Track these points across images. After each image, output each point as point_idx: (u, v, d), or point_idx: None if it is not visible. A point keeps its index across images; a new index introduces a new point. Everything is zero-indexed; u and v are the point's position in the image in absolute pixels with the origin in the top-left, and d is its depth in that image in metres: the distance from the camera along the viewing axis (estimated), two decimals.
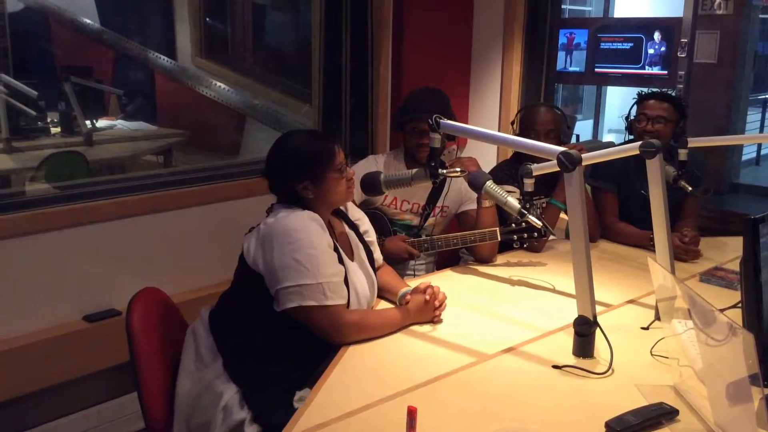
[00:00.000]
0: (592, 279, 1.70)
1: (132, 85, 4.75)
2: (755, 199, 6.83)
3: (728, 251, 2.70)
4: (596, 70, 4.81)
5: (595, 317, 1.69)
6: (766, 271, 1.53)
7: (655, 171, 1.87)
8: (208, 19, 5.16)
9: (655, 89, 2.89)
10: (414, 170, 2.00)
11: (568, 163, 1.63)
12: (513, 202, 2.08)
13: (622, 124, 2.89)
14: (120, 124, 4.44)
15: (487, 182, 2.13)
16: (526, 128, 2.69)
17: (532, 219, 2.08)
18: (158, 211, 2.77)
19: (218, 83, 4.93)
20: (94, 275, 2.57)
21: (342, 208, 2.06)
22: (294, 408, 1.70)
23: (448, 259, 2.84)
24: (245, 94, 4.92)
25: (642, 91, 2.91)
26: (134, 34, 4.79)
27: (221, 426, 1.71)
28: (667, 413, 1.43)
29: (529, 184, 2.16)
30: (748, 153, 8.05)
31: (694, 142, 2.35)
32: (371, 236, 2.15)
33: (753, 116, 8.24)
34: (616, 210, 2.82)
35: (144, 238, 2.71)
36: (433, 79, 3.12)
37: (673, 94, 2.89)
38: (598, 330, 1.71)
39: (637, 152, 1.92)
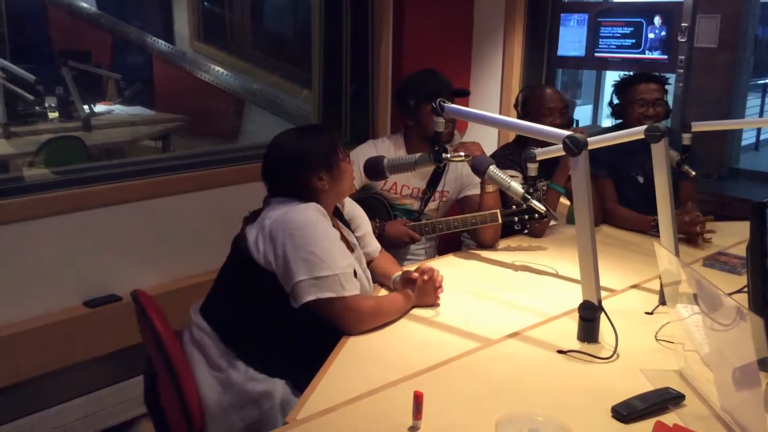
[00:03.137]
0: (597, 264, 1.69)
1: (130, 70, 4.73)
2: (755, 184, 6.82)
3: (730, 236, 2.69)
4: (596, 54, 4.77)
5: (600, 302, 1.68)
6: None
7: (660, 155, 1.86)
8: (206, 2, 5.12)
9: (643, 72, 2.87)
10: (418, 155, 1.98)
11: (574, 147, 1.62)
12: (516, 186, 2.06)
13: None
14: (118, 108, 4.41)
15: (491, 167, 2.11)
16: (535, 109, 2.64)
17: (536, 204, 2.07)
18: (158, 196, 2.75)
19: (217, 68, 4.90)
20: (94, 260, 2.56)
21: (338, 204, 2.04)
22: None
23: (449, 245, 2.83)
24: (244, 79, 4.89)
25: (624, 75, 2.89)
26: (132, 18, 4.76)
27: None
28: (674, 398, 1.42)
29: (532, 168, 2.14)
30: (748, 138, 8.02)
31: (698, 127, 2.33)
32: (363, 230, 2.13)
33: (753, 101, 8.21)
34: (615, 195, 2.81)
35: (144, 223, 2.70)
36: (434, 62, 3.09)
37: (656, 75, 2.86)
38: (602, 315, 1.70)
39: (642, 137, 1.91)
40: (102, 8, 4.63)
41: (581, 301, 1.73)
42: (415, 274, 1.92)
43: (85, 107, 4.03)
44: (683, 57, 4.50)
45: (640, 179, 2.79)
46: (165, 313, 1.82)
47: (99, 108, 4.27)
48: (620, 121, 2.83)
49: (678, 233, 2.56)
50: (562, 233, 2.74)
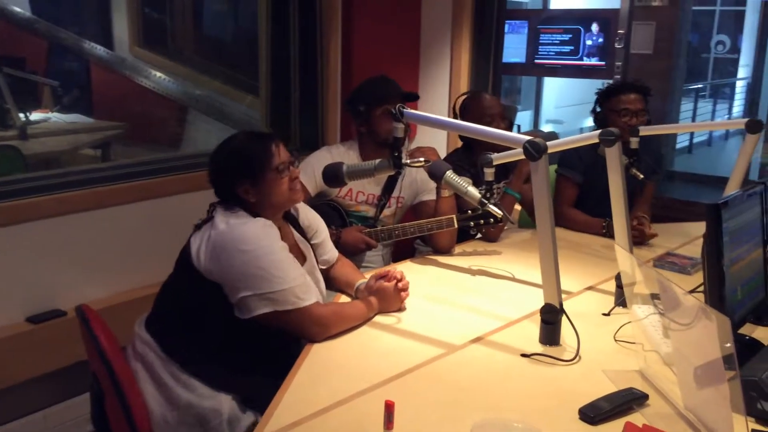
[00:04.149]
0: (558, 268, 1.70)
1: (67, 76, 4.56)
2: (690, 186, 7.05)
3: (676, 237, 2.76)
4: (536, 61, 4.85)
5: (561, 305, 1.70)
6: (728, 256, 1.55)
7: (614, 159, 1.90)
8: (146, 7, 4.99)
9: (626, 81, 2.91)
10: (377, 161, 1.97)
11: (534, 151, 1.63)
12: (473, 191, 2.07)
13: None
14: (55, 116, 4.25)
15: (448, 172, 2.11)
16: (477, 116, 2.64)
17: (493, 208, 2.08)
18: (100, 207, 2.67)
19: (158, 73, 4.78)
20: (35, 275, 2.46)
21: (292, 211, 2.01)
22: None
23: (403, 251, 2.82)
24: (186, 85, 4.78)
25: (606, 83, 2.93)
26: (68, 23, 4.59)
27: None
28: (638, 398, 1.44)
29: (489, 173, 2.16)
30: (681, 142, 8.30)
31: (646, 130, 2.39)
32: (321, 236, 2.10)
33: (686, 105, 8.49)
34: (572, 198, 2.85)
35: (86, 235, 2.60)
36: (383, 68, 3.09)
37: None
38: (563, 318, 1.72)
39: (597, 141, 1.94)
40: (37, 13, 4.45)
41: (541, 304, 1.75)
42: (384, 282, 1.90)
43: (21, 115, 3.87)
44: (620, 63, 4.62)
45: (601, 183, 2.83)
46: (110, 329, 1.76)
47: (35, 116, 4.10)
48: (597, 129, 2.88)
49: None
50: (516, 237, 2.77)
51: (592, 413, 1.37)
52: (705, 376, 1.34)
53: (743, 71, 10.14)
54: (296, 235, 1.98)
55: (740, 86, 10.25)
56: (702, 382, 1.36)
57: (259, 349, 1.77)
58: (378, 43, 3.52)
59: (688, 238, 2.75)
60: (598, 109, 2.88)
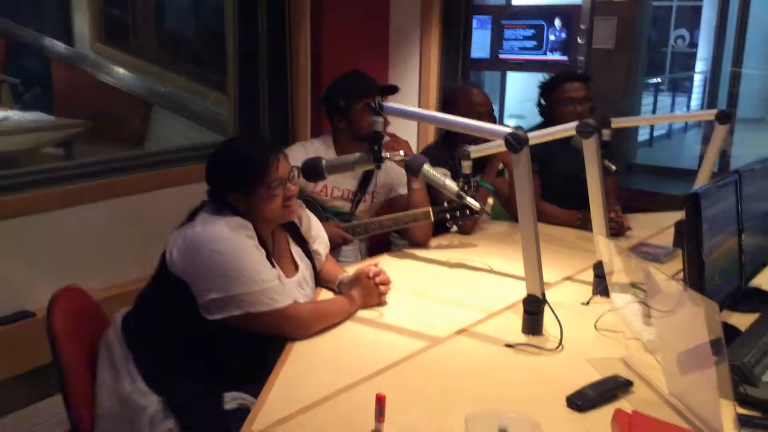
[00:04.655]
0: (540, 259, 1.71)
1: (27, 74, 4.44)
2: (651, 178, 7.17)
3: (645, 227, 2.81)
4: (500, 56, 4.88)
5: (543, 295, 1.71)
6: (707, 244, 1.58)
7: (591, 151, 1.91)
8: (107, 2, 4.89)
9: (567, 71, 2.95)
10: (357, 154, 1.95)
11: (516, 143, 1.63)
12: (451, 184, 2.08)
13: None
14: (14, 114, 4.15)
15: (425, 165, 2.11)
16: (466, 110, 2.62)
17: (471, 201, 2.09)
18: (66, 206, 2.61)
19: (120, 70, 4.69)
20: (2, 275, 2.39)
21: (296, 221, 1.98)
22: (225, 411, 1.65)
23: (379, 245, 2.82)
24: (150, 81, 4.70)
25: (550, 76, 2.96)
26: (28, 20, 4.48)
27: None
28: (622, 385, 1.46)
29: (467, 166, 2.17)
30: (642, 135, 8.44)
31: (618, 123, 2.42)
32: (322, 251, 2.06)
33: (646, 99, 8.64)
34: (539, 190, 2.87)
35: (53, 234, 2.54)
36: (353, 64, 3.09)
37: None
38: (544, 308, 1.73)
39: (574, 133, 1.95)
40: None
41: (521, 295, 1.76)
42: (376, 279, 1.90)
43: None
44: (582, 58, 4.67)
45: (566, 175, 2.86)
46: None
47: None
48: (543, 120, 2.91)
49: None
50: (491, 230, 2.79)
51: (579, 401, 1.39)
52: (690, 361, 1.36)
53: (700, 65, 10.37)
54: (292, 243, 1.96)
55: (698, 80, 10.48)
56: (687, 368, 1.38)
57: (220, 358, 1.73)
58: (347, 38, 3.51)
59: (658, 228, 2.79)
60: (543, 102, 2.92)
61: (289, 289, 1.80)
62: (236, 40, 3.45)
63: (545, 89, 2.89)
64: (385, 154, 1.92)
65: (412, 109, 1.88)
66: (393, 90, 2.45)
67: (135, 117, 4.75)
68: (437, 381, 1.51)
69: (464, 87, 2.92)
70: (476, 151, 2.15)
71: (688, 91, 10.46)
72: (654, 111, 8.90)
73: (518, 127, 1.67)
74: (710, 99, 6.27)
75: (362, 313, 1.88)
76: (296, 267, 1.93)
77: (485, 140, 2.53)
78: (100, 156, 3.80)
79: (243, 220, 1.74)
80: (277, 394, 1.45)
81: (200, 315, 1.67)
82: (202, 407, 1.66)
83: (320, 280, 2.08)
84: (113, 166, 3.05)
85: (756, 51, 5.81)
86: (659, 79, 10.03)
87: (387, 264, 2.33)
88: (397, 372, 1.55)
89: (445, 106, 2.78)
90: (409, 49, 3.81)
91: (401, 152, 1.98)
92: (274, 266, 1.77)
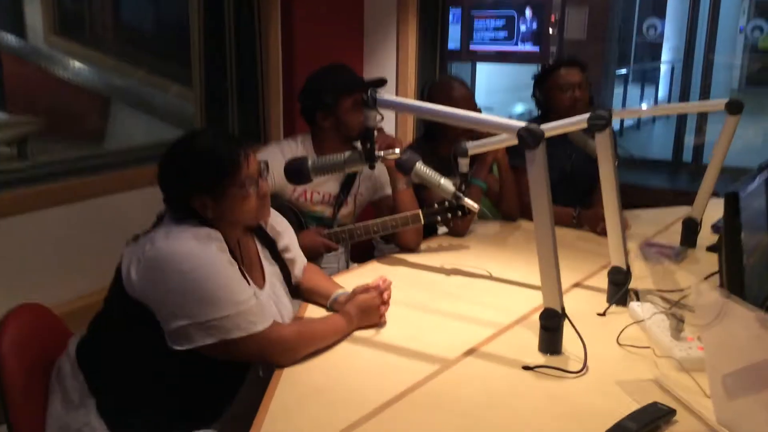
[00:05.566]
0: (559, 268, 1.53)
1: None
2: (623, 170, 7.07)
3: (642, 224, 2.66)
4: (471, 48, 4.73)
5: (563, 309, 1.53)
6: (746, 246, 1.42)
7: (605, 145, 1.74)
8: None
9: (561, 58, 2.80)
10: (347, 153, 1.75)
11: (531, 139, 1.45)
12: (447, 184, 1.89)
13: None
14: None
15: (417, 164, 1.92)
16: (446, 104, 2.44)
17: (469, 202, 1.91)
18: (21, 212, 2.36)
19: (76, 63, 4.42)
20: None
21: (261, 222, 1.74)
22: None
23: (361, 250, 2.62)
24: (108, 75, 4.43)
25: (544, 65, 2.82)
26: None
27: None
28: (665, 415, 1.28)
29: (464, 164, 1.98)
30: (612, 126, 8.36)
31: (620, 114, 2.25)
32: (293, 251, 1.84)
33: (616, 90, 8.56)
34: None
35: (6, 243, 2.29)
36: (327, 57, 2.88)
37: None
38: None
39: (585, 125, 1.78)
40: None
41: (528, 305, 1.62)
42: (366, 295, 1.69)
43: None
44: (554, 49, 4.53)
45: (559, 171, 2.70)
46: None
47: None
48: (541, 111, 2.75)
49: (602, 225, 2.50)
50: (482, 230, 2.61)
51: None
52: (740, 383, 1.20)
53: (667, 55, 10.34)
54: (260, 248, 1.73)
55: (663, 70, 10.45)
56: (736, 391, 1.22)
57: (187, 390, 1.53)
58: (320, 27, 3.29)
59: (658, 225, 2.65)
60: (539, 94, 2.76)
61: (267, 306, 1.58)
62: (202, 30, 3.22)
63: (540, 79, 2.72)
64: (379, 152, 1.72)
65: (409, 101, 1.69)
66: (382, 83, 2.23)
67: (92, 113, 4.48)
68: (453, 415, 1.31)
69: (445, 80, 2.72)
70: (475, 146, 1.97)
71: (656, 82, 10.43)
72: (624, 102, 8.83)
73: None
74: (683, 89, 6.21)
75: (357, 332, 1.68)
76: (265, 275, 1.69)
77: (473, 136, 2.35)
78: (57, 156, 3.55)
79: (211, 230, 1.50)
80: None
81: (165, 344, 1.44)
82: None
83: (306, 294, 1.87)
84: (72, 166, 2.81)
85: (722, 40, 5.75)
86: (624, 70, 9.97)
87: (378, 271, 2.14)
88: (406, 404, 1.35)
89: (424, 100, 2.58)
90: (386, 40, 3.62)
91: (396, 150, 1.79)
92: (249, 282, 1.55)
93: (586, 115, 1.75)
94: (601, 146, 1.76)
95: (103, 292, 1.61)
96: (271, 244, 1.76)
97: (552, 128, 1.90)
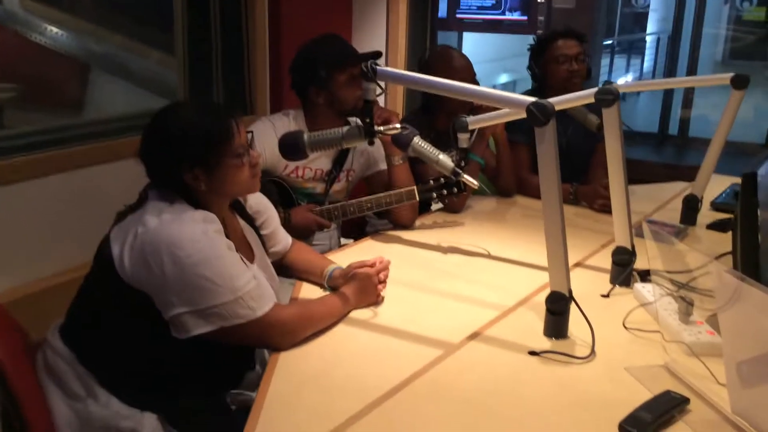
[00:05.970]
0: (567, 250, 1.47)
1: None
2: None
3: (640, 201, 2.60)
4: (457, 16, 4.64)
5: (570, 292, 1.47)
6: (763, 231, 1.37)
7: (613, 122, 1.68)
8: None
9: (561, 28, 2.71)
10: (345, 128, 1.67)
11: (541, 115, 1.37)
12: (446, 159, 1.82)
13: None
14: None
15: (415, 138, 1.85)
16: (445, 75, 2.35)
17: (468, 179, 1.84)
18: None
19: (53, 28, 4.26)
20: None
21: (240, 198, 1.68)
22: (231, 409, 1.49)
23: (353, 227, 2.55)
24: (86, 41, 4.28)
25: (540, 35, 2.74)
26: None
27: None
28: (679, 404, 1.24)
29: (463, 139, 1.91)
30: None
31: (626, 88, 2.19)
32: (272, 225, 1.79)
33: (602, 60, 8.49)
34: (530, 163, 2.64)
35: None
36: (314, 22, 2.78)
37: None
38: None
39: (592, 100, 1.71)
40: None
41: (530, 285, 1.57)
42: (365, 270, 1.65)
43: None
44: (542, 18, 4.44)
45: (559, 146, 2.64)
46: (19, 330, 1.49)
47: None
48: (536, 84, 2.67)
49: (599, 202, 2.45)
50: (478, 206, 2.55)
51: (635, 428, 1.16)
52: (757, 371, 1.15)
53: (653, 26, 10.28)
54: (244, 225, 1.66)
55: (649, 41, 10.40)
56: (753, 380, 1.17)
57: (197, 364, 1.47)
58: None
59: (655, 202, 2.61)
60: (535, 66, 2.67)
61: (264, 287, 1.52)
62: None
63: (536, 50, 2.64)
64: (378, 127, 1.64)
65: (411, 74, 1.60)
66: (377, 56, 2.14)
67: (71, 80, 4.34)
68: (458, 404, 1.26)
69: (444, 50, 2.62)
70: (475, 121, 1.89)
71: (642, 53, 10.39)
72: (610, 73, 8.78)
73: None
74: (671, 61, 6.17)
75: (355, 313, 1.62)
76: (252, 251, 1.64)
77: (474, 109, 2.28)
78: (35, 126, 3.42)
79: (207, 212, 1.44)
80: (266, 424, 1.19)
81: (165, 326, 1.39)
82: (206, 411, 1.48)
83: (296, 272, 1.82)
84: (50, 137, 2.70)
85: (707, 12, 5.69)
86: (610, 41, 9.91)
87: (372, 249, 2.08)
88: (409, 393, 1.29)
89: (422, 71, 2.49)
90: (375, 9, 3.51)
91: (397, 125, 1.71)
92: (246, 264, 1.50)
93: (593, 90, 1.68)
94: (609, 122, 1.69)
95: (84, 268, 1.52)
96: (250, 221, 1.71)
97: (560, 102, 1.83)
